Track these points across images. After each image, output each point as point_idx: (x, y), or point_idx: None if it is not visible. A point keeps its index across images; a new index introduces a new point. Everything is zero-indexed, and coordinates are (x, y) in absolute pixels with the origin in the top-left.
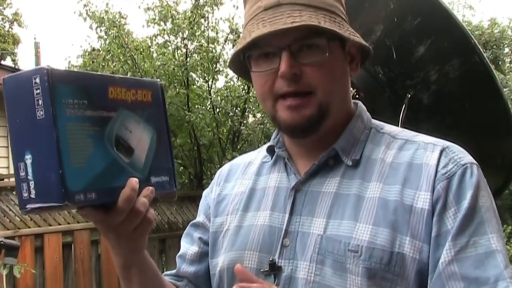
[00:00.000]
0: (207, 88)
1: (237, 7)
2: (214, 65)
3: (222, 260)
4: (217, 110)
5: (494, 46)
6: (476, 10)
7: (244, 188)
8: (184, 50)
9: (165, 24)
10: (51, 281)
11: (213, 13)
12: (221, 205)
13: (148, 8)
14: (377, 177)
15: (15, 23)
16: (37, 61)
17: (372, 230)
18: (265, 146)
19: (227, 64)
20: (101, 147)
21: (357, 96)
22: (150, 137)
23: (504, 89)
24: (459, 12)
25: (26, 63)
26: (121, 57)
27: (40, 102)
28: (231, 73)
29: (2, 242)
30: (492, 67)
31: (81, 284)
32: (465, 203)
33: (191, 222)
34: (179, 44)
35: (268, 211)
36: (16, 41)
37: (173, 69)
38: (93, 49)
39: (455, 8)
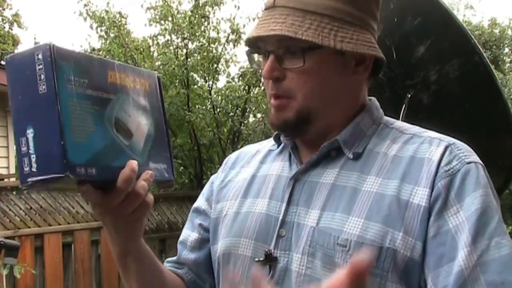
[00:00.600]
0: (208, 88)
1: (238, 7)
2: (215, 65)
3: (220, 246)
4: (218, 110)
5: (494, 46)
6: (476, 10)
7: (246, 175)
8: (185, 50)
9: (166, 24)
10: (51, 281)
11: (214, 13)
12: (223, 191)
13: (150, 8)
14: (376, 171)
15: (15, 24)
16: None
17: (363, 224)
18: (273, 135)
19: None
20: (101, 126)
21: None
22: (148, 124)
23: (504, 89)
24: (459, 12)
25: None
26: (121, 57)
27: (43, 77)
28: (232, 73)
29: (2, 242)
30: (492, 67)
31: (81, 284)
32: (475, 202)
33: (193, 207)
34: (179, 44)
35: (267, 199)
36: (16, 42)
37: (174, 69)
38: (93, 49)
39: (455, 8)
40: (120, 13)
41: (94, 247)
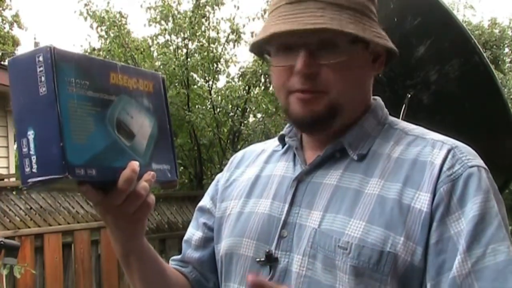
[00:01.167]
0: (208, 88)
1: (238, 7)
2: (215, 65)
3: (223, 245)
4: (218, 110)
5: (494, 46)
6: (476, 10)
7: (251, 175)
8: (185, 50)
9: (166, 24)
10: (51, 281)
11: (214, 13)
12: (228, 190)
13: (150, 8)
14: (379, 173)
15: (15, 24)
16: None
17: (365, 228)
18: (278, 136)
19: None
20: (102, 127)
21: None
22: (152, 125)
23: (504, 89)
24: (459, 12)
25: None
26: (121, 57)
27: (43, 79)
28: (232, 73)
29: (2, 242)
30: (492, 67)
31: (81, 284)
32: (474, 208)
33: (198, 205)
34: (179, 44)
35: (270, 200)
36: (16, 43)
37: (174, 69)
38: (94, 49)
39: (455, 8)
40: (120, 13)
41: (94, 247)
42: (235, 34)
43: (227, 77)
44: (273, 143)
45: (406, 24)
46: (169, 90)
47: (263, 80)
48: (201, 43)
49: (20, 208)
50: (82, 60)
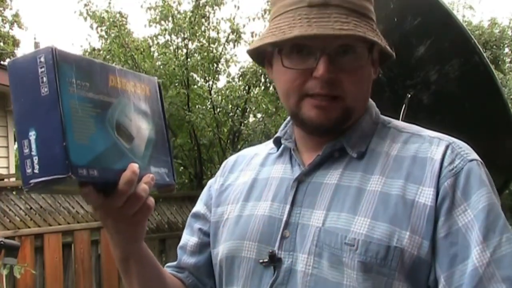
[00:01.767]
0: (208, 88)
1: (238, 7)
2: (215, 65)
3: (222, 249)
4: (218, 110)
5: (494, 46)
6: (476, 10)
7: (247, 179)
8: (185, 50)
9: (167, 24)
10: (51, 281)
11: (214, 13)
12: (223, 195)
13: (150, 8)
14: (380, 170)
15: (15, 24)
16: None
17: (370, 224)
18: (273, 139)
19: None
20: (102, 129)
21: None
22: (149, 128)
23: (504, 89)
24: (459, 12)
25: None
26: (121, 57)
27: (45, 79)
28: (232, 73)
29: (2, 242)
30: (492, 67)
31: (81, 284)
32: (482, 200)
33: (191, 212)
34: (180, 44)
35: (269, 202)
36: (16, 42)
37: (174, 69)
38: (94, 49)
39: (455, 8)
40: (120, 13)
41: (94, 247)
42: (235, 34)
43: (227, 77)
44: (265, 147)
45: (406, 24)
46: (169, 90)
47: (263, 80)
48: (201, 43)
49: (20, 208)
50: (83, 62)
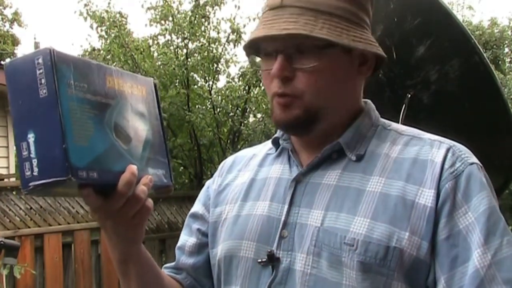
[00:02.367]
0: (208, 88)
1: (239, 7)
2: (215, 65)
3: (220, 249)
4: (218, 110)
5: (494, 46)
6: (476, 10)
7: (245, 179)
8: (185, 50)
9: (167, 24)
10: (51, 281)
11: (214, 13)
12: (221, 195)
13: (150, 8)
14: (379, 172)
15: (14, 23)
16: None
17: (369, 224)
18: (271, 140)
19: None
20: (101, 130)
21: None
22: (146, 130)
23: (504, 89)
24: (459, 12)
25: None
26: (121, 57)
27: (43, 81)
28: (232, 73)
29: (2, 242)
30: (492, 67)
31: (81, 284)
32: (483, 203)
33: (189, 213)
34: (180, 44)
35: (268, 202)
36: (15, 41)
37: (174, 69)
38: (94, 49)
39: (455, 8)
40: (120, 13)
41: (94, 247)
42: (235, 34)
43: (227, 77)
44: (264, 147)
45: (406, 24)
46: (169, 90)
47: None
48: (201, 43)
49: (20, 208)
50: (80, 63)
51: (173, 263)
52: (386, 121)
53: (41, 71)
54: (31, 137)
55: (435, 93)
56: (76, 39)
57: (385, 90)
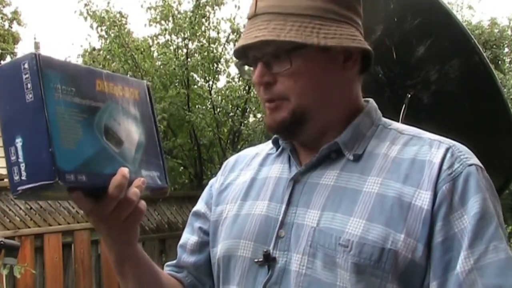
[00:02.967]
0: (208, 88)
1: (239, 7)
2: (215, 65)
3: (220, 248)
4: (218, 110)
5: (494, 46)
6: (475, 10)
7: (246, 178)
8: (185, 50)
9: (167, 24)
10: (51, 281)
11: (214, 13)
12: (223, 194)
13: (150, 8)
14: (377, 172)
15: (14, 21)
16: None
17: (365, 225)
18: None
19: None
20: (90, 134)
21: None
22: (139, 132)
23: (504, 89)
24: (459, 12)
25: None
26: (121, 57)
27: (29, 85)
28: (232, 73)
29: (2, 242)
30: (492, 67)
31: (81, 284)
32: (475, 206)
33: (192, 211)
34: (180, 44)
35: (266, 201)
36: (15, 40)
37: (174, 69)
38: (94, 49)
39: (455, 8)
40: (120, 13)
41: (94, 247)
42: (235, 34)
43: (227, 77)
44: (266, 146)
45: (406, 24)
46: (169, 90)
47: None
48: (201, 43)
49: (20, 208)
50: (68, 67)
51: (174, 261)
52: (388, 121)
53: (27, 76)
54: (18, 142)
55: (435, 93)
56: (76, 39)
57: (385, 90)
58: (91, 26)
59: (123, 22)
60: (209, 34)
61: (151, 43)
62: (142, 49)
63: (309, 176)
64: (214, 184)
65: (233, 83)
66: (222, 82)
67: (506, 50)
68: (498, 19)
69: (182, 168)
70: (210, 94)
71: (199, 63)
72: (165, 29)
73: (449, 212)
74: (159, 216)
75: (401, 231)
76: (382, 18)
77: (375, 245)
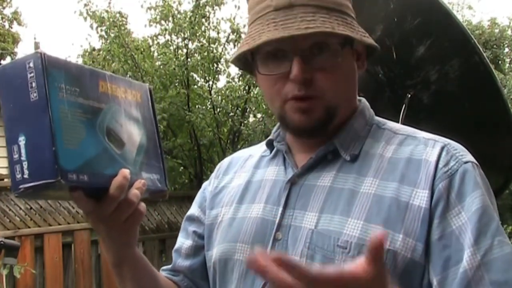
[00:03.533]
0: (208, 88)
1: (239, 7)
2: (215, 65)
3: (215, 252)
4: (218, 110)
5: (494, 46)
6: (476, 10)
7: (241, 181)
8: (185, 50)
9: (167, 24)
10: (51, 281)
11: (214, 13)
12: (217, 197)
13: (150, 8)
14: (373, 172)
15: (14, 22)
16: None
17: (363, 226)
18: (265, 141)
19: (231, 60)
20: (93, 134)
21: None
22: (140, 135)
23: (504, 89)
24: (459, 12)
25: None
26: (121, 57)
27: (34, 84)
28: (232, 73)
29: (2, 242)
30: (492, 67)
31: (81, 284)
32: (476, 202)
33: (186, 215)
34: (180, 44)
35: (262, 204)
36: (15, 40)
37: (174, 69)
38: (94, 49)
39: (455, 8)
40: (120, 13)
41: (94, 247)
42: (235, 34)
43: (227, 77)
44: (259, 148)
45: (406, 24)
46: (169, 90)
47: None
48: (201, 43)
49: (20, 208)
50: (72, 68)
51: (170, 266)
52: (381, 120)
53: (32, 74)
54: (22, 140)
55: (435, 93)
56: (76, 39)
57: (385, 90)
58: (91, 26)
59: (123, 22)
60: (209, 34)
61: (151, 43)
62: (142, 49)
63: (306, 178)
64: (207, 187)
65: (233, 83)
66: (222, 82)
67: (506, 50)
68: (498, 19)
69: (182, 168)
70: (210, 94)
71: (199, 63)
72: (165, 29)
73: (446, 209)
74: (159, 216)
75: (399, 231)
76: (382, 18)
77: None
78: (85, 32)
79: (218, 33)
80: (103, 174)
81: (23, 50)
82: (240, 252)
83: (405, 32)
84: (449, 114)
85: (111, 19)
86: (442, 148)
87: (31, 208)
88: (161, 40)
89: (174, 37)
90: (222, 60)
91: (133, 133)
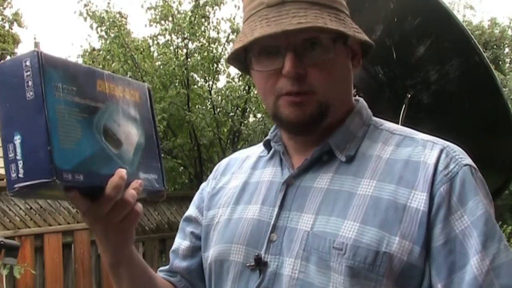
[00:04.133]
0: (208, 88)
1: (239, 7)
2: (215, 65)
3: (211, 253)
4: (218, 110)
5: (494, 46)
6: (476, 10)
7: (238, 182)
8: (185, 50)
9: (167, 24)
10: (51, 281)
11: (214, 13)
12: (215, 198)
13: (150, 8)
14: (370, 174)
15: (15, 23)
16: None
17: (359, 228)
18: (263, 142)
19: (226, 59)
20: (89, 134)
21: (356, 96)
22: (138, 135)
23: (504, 89)
24: (459, 12)
25: None
26: (121, 57)
27: (30, 83)
28: (232, 73)
29: (2, 242)
30: (492, 67)
31: (81, 284)
32: (480, 207)
33: (184, 216)
34: (180, 44)
35: (259, 205)
36: (16, 41)
37: (174, 69)
38: (93, 49)
39: (455, 8)
40: (120, 13)
41: (94, 247)
42: (235, 34)
43: (227, 77)
44: (257, 149)
45: (406, 24)
46: (169, 90)
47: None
48: (201, 43)
49: (20, 208)
50: (69, 67)
51: (167, 267)
52: (378, 120)
53: (28, 73)
54: (17, 139)
55: (435, 93)
56: (76, 39)
57: (385, 90)
58: (91, 27)
59: (123, 22)
60: (209, 34)
61: (151, 43)
62: (142, 49)
63: (302, 179)
64: (205, 188)
65: (233, 83)
66: (222, 82)
67: (507, 50)
68: (499, 19)
69: (182, 168)
70: (210, 94)
71: (199, 63)
72: (165, 29)
73: (449, 213)
74: (159, 216)
75: (395, 233)
76: (382, 18)
77: (369, 248)
78: (85, 32)
79: (218, 33)
80: (100, 174)
81: (23, 51)
82: (235, 253)
83: (405, 32)
84: (449, 114)
85: (111, 19)
86: (441, 151)
87: (31, 208)
88: (161, 40)
89: (174, 37)
90: (222, 60)
91: (131, 133)
